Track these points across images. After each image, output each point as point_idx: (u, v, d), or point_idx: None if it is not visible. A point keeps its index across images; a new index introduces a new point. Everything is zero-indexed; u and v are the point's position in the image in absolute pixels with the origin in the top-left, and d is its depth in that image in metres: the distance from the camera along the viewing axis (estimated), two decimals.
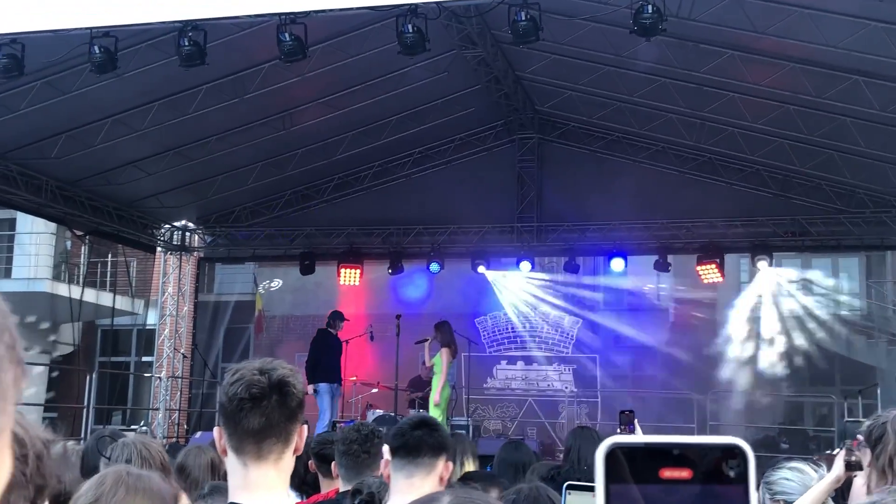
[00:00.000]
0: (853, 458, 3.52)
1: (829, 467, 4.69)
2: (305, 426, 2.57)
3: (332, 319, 14.70)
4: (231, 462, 2.46)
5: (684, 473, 0.66)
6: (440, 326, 13.67)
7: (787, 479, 3.99)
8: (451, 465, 3.47)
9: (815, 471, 4.13)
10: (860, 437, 3.40)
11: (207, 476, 5.03)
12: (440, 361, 13.33)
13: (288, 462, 2.49)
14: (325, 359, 14.26)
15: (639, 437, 0.67)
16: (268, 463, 2.43)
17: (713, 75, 12.52)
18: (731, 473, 0.67)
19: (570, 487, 1.84)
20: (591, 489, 1.87)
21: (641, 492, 0.66)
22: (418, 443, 3.30)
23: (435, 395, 13.33)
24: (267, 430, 2.40)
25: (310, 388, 14.21)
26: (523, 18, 10.17)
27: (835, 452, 3.92)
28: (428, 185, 16.71)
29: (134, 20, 10.24)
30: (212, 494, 3.89)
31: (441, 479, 3.39)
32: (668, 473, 0.66)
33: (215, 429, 2.51)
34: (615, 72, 13.15)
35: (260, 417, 2.39)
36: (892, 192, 14.61)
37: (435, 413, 13.04)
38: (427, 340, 13.68)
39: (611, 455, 0.68)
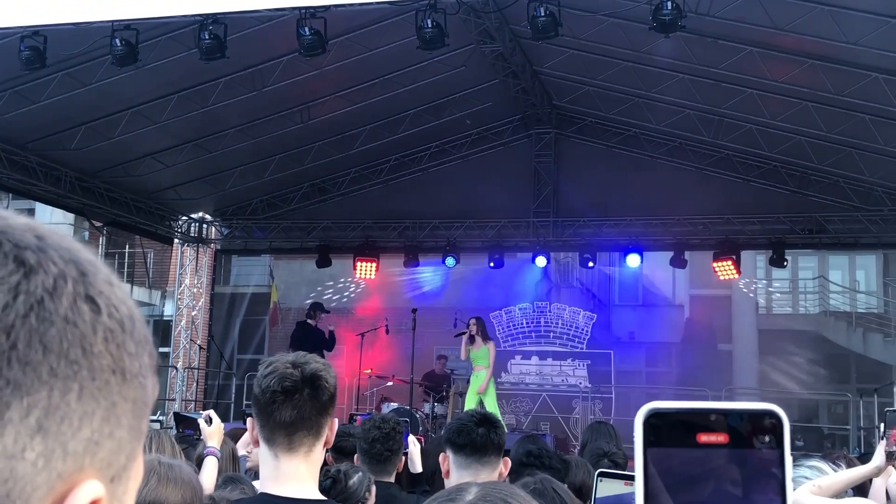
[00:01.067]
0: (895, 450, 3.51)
1: (848, 466, 4.69)
2: (336, 420, 2.60)
3: (312, 310, 14.74)
4: (262, 453, 2.50)
5: (721, 438, 0.69)
6: (479, 321, 13.73)
7: (806, 478, 4.00)
8: (508, 461, 3.51)
9: (835, 470, 4.13)
10: None
11: (229, 466, 5.07)
12: (487, 355, 13.38)
13: (318, 455, 2.53)
14: (304, 351, 14.22)
15: (677, 403, 0.70)
16: (298, 455, 2.46)
17: (732, 71, 12.48)
18: (767, 439, 0.70)
19: (602, 475, 1.88)
20: (623, 477, 1.89)
21: (678, 455, 0.69)
22: (485, 442, 3.32)
23: (481, 385, 13.36)
24: (298, 423, 2.44)
25: None
26: (542, 14, 10.18)
27: (866, 450, 3.91)
28: (444, 180, 16.73)
29: (155, 13, 10.32)
30: (226, 485, 3.93)
31: (500, 475, 3.42)
32: (704, 438, 0.69)
33: (248, 420, 2.55)
34: (633, 67, 13.13)
35: (292, 410, 2.42)
36: None
37: (493, 407, 13.06)
38: (465, 333, 13.69)
39: (649, 420, 0.71)
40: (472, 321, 13.64)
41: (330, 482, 3.71)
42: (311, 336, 14.48)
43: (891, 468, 3.62)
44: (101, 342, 0.71)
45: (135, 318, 0.77)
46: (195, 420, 4.89)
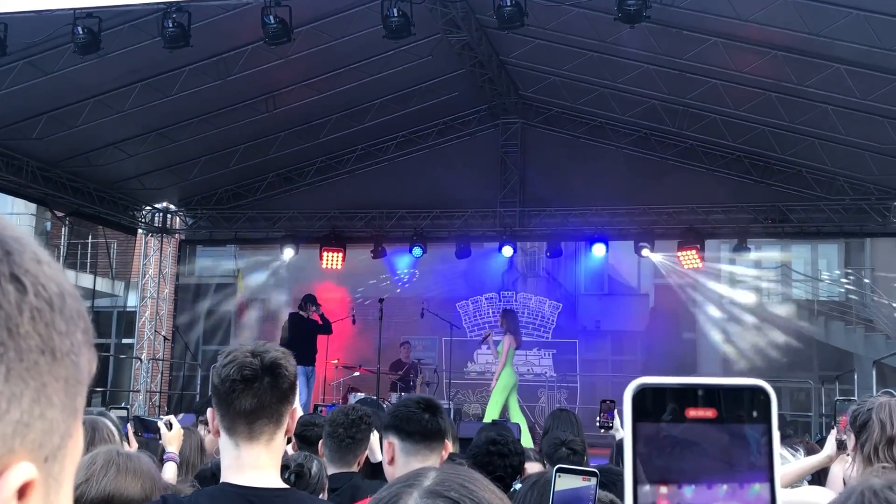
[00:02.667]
0: (845, 438, 3.56)
1: (806, 451, 4.76)
2: (298, 408, 2.60)
3: (304, 302, 14.67)
4: (223, 443, 2.49)
5: (709, 413, 0.70)
6: (507, 315, 13.90)
7: None
8: (449, 443, 3.51)
9: (793, 455, 4.18)
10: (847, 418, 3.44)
11: (198, 457, 5.06)
12: (502, 347, 13.50)
13: (279, 443, 2.52)
14: (297, 342, 14.14)
15: (665, 378, 0.71)
16: (259, 444, 2.46)
17: (696, 62, 12.57)
18: (755, 413, 0.71)
19: (560, 470, 1.91)
20: (581, 472, 1.92)
21: (667, 430, 0.70)
22: (434, 429, 3.32)
23: (493, 382, 13.55)
24: (258, 412, 2.43)
25: None
26: (508, 4, 10.20)
27: (824, 437, 3.96)
28: (411, 170, 16.72)
29: (118, 1, 10.21)
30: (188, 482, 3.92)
31: (442, 459, 3.43)
32: (693, 413, 0.70)
33: (209, 410, 2.54)
34: (599, 58, 13.19)
35: (252, 399, 2.42)
36: (872, 180, 14.73)
37: (499, 398, 13.18)
38: (489, 335, 14.00)
39: (639, 395, 0.71)
40: (502, 314, 14.06)
41: (294, 477, 3.69)
42: (305, 326, 14.44)
43: (845, 456, 3.68)
44: (28, 322, 0.70)
45: (65, 294, 0.75)
46: (155, 423, 4.88)
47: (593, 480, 1.88)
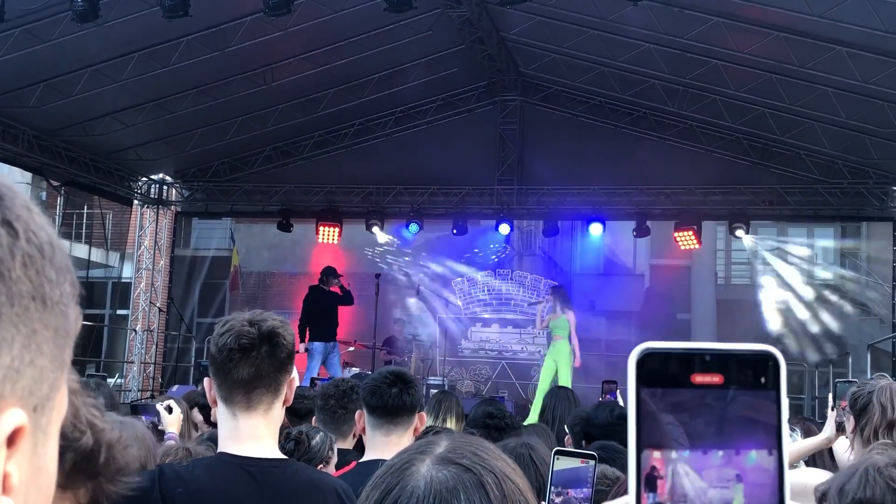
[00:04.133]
0: (844, 420, 3.56)
1: (803, 431, 4.75)
2: (295, 377, 2.58)
3: (324, 276, 14.38)
4: (221, 412, 2.47)
5: (716, 379, 0.68)
6: (557, 291, 13.58)
7: None
8: (424, 416, 3.50)
9: (790, 435, 4.17)
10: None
11: (187, 428, 5.06)
12: (567, 324, 13.07)
13: (278, 413, 2.51)
14: (319, 317, 13.90)
15: (671, 343, 0.69)
16: (257, 413, 2.44)
17: (698, 42, 12.51)
18: (762, 380, 0.68)
19: (558, 453, 1.93)
20: (579, 455, 1.92)
21: (673, 396, 0.68)
22: (397, 403, 3.32)
23: (576, 360, 13.09)
24: (256, 381, 2.42)
25: (301, 347, 14.07)
26: None
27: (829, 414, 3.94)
28: (409, 145, 16.66)
29: None
30: (205, 442, 3.91)
31: (415, 430, 3.42)
32: (699, 379, 0.68)
33: (205, 379, 2.52)
34: (600, 36, 13.12)
35: (249, 368, 2.40)
36: (871, 164, 14.72)
37: (567, 371, 12.91)
38: (541, 303, 13.60)
39: (643, 360, 0.69)
40: (551, 290, 13.56)
41: (293, 444, 3.69)
42: (326, 298, 14.09)
43: (844, 438, 3.68)
44: (20, 267, 0.69)
45: (55, 244, 0.75)
46: (153, 406, 4.91)
47: (591, 462, 1.90)
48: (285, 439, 3.66)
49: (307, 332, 13.77)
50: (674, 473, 0.65)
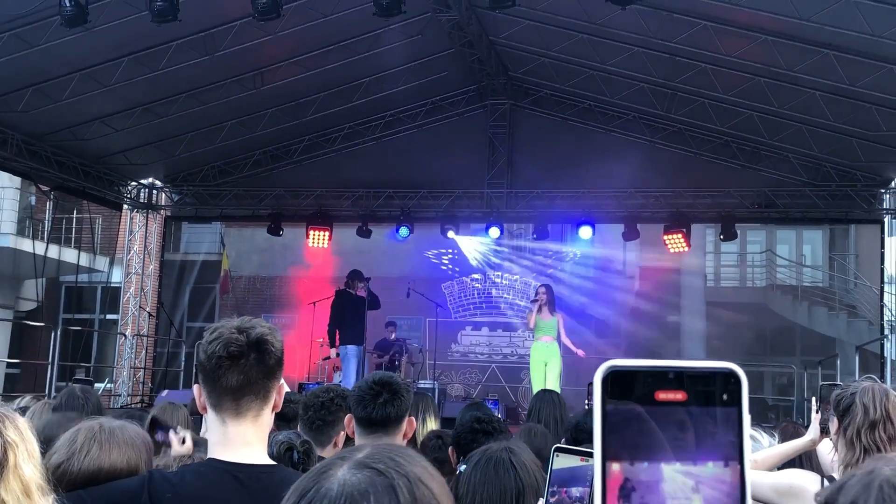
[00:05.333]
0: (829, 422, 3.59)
1: (783, 436, 4.78)
2: (284, 384, 2.60)
3: (350, 279, 14.31)
4: (210, 419, 2.49)
5: (679, 396, 0.70)
6: (550, 290, 13.32)
7: None
8: (413, 420, 3.51)
9: (770, 440, 4.20)
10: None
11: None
12: (556, 325, 12.93)
13: (267, 419, 2.53)
14: (349, 320, 13.86)
15: (636, 361, 0.71)
16: (246, 420, 2.46)
17: (686, 45, 12.56)
18: (725, 396, 0.70)
19: (558, 450, 1.93)
20: (579, 453, 1.94)
21: (637, 412, 0.70)
22: (383, 416, 3.35)
23: (579, 351, 13.02)
24: (245, 388, 2.43)
25: (332, 352, 14.03)
26: None
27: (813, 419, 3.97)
28: (399, 149, 16.67)
29: None
30: (197, 448, 3.91)
31: (405, 436, 3.43)
32: (663, 395, 0.70)
33: (195, 386, 2.53)
34: (589, 39, 13.16)
35: (238, 375, 2.41)
36: (858, 167, 14.79)
37: (537, 373, 12.82)
38: (536, 301, 13.30)
39: (608, 378, 0.71)
40: (542, 289, 13.25)
41: (305, 457, 3.66)
42: (354, 302, 14.01)
43: (828, 440, 3.71)
44: None
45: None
46: (169, 429, 4.93)
47: (591, 461, 1.89)
48: (286, 448, 3.65)
49: (337, 336, 13.80)
50: (637, 486, 0.67)
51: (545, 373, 12.83)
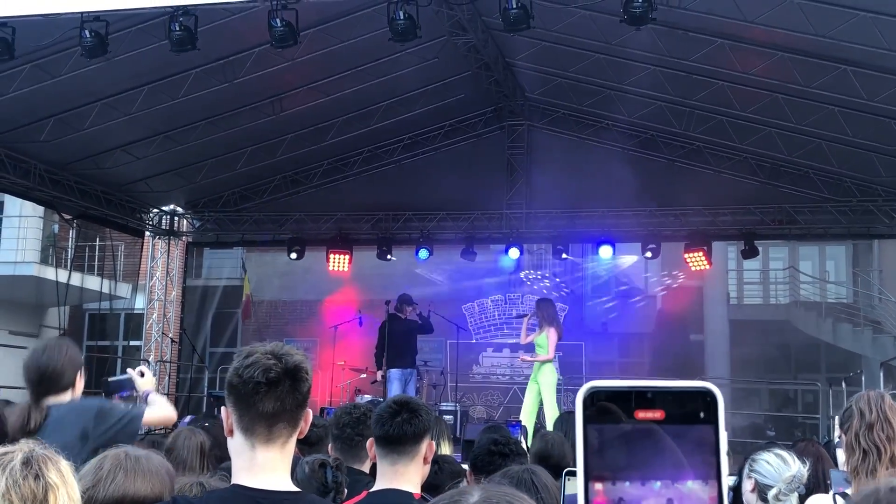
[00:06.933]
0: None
1: (815, 455, 4.73)
2: (310, 411, 2.61)
3: (399, 303, 14.39)
4: (237, 443, 2.48)
5: (657, 414, 0.71)
6: (543, 304, 13.11)
7: (768, 463, 4.08)
8: (433, 444, 3.53)
9: (801, 467, 4.18)
10: None
11: (196, 458, 5.08)
12: (546, 341, 12.56)
13: (292, 446, 2.53)
14: (396, 344, 13.99)
15: (615, 381, 0.72)
16: (275, 446, 2.46)
17: (702, 63, 12.55)
18: (702, 414, 0.72)
19: (569, 474, 1.92)
20: None
21: (617, 431, 0.71)
22: (400, 433, 3.36)
23: (542, 374, 12.55)
24: (280, 415, 2.43)
25: (378, 375, 14.10)
26: (514, 6, 10.18)
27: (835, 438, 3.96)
28: (417, 172, 16.72)
29: (125, 5, 10.24)
30: (218, 473, 3.93)
31: (425, 459, 3.44)
32: (642, 415, 0.71)
33: (223, 409, 2.53)
34: (605, 60, 13.18)
35: (274, 402, 2.41)
36: (879, 182, 14.70)
37: (551, 397, 12.51)
38: (527, 316, 13.32)
39: (589, 398, 0.73)
40: (537, 304, 13.12)
41: (335, 473, 3.68)
42: (404, 327, 14.11)
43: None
44: None
45: None
46: (127, 380, 5.02)
47: None
48: (321, 465, 3.66)
49: (384, 360, 13.88)
50: (618, 503, 0.69)
51: (538, 393, 12.60)
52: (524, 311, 13.41)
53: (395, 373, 13.81)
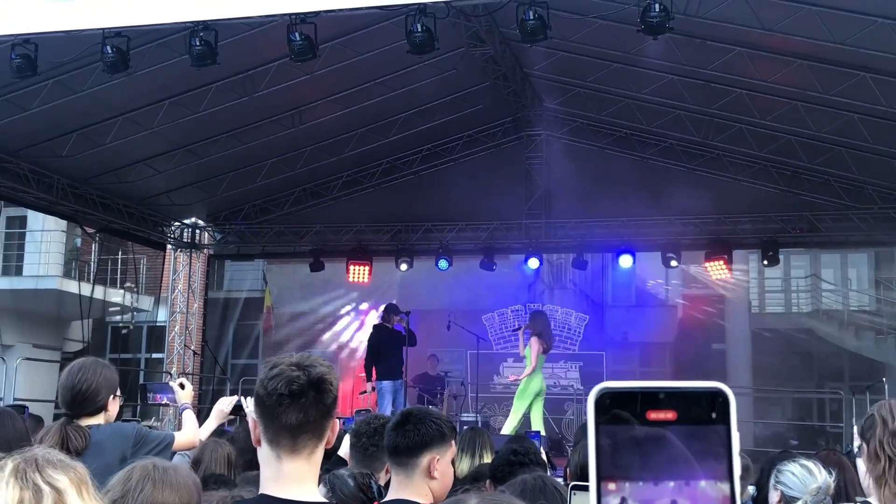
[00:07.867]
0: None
1: (837, 464, 4.70)
2: (337, 421, 2.61)
3: (386, 313, 14.45)
4: (264, 453, 2.50)
5: (669, 415, 0.73)
6: (533, 316, 13.40)
7: (793, 474, 4.05)
8: (438, 457, 3.43)
9: (826, 477, 4.15)
10: None
11: (224, 469, 5.11)
12: (529, 351, 12.81)
13: (319, 456, 2.54)
14: (385, 355, 13.96)
15: (627, 382, 0.74)
16: (301, 457, 2.47)
17: (721, 72, 12.54)
18: (714, 415, 0.73)
19: (576, 488, 1.92)
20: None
21: (629, 432, 0.73)
22: (395, 445, 3.38)
23: (511, 377, 13.15)
24: (304, 426, 2.44)
25: (368, 386, 14.11)
26: (531, 17, 10.20)
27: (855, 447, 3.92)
28: (436, 182, 16.76)
29: (146, 21, 10.31)
30: (242, 486, 3.96)
31: (430, 472, 3.39)
32: (654, 415, 0.73)
33: (250, 420, 2.55)
34: (623, 69, 13.18)
35: (298, 413, 2.43)
36: None
37: (519, 404, 12.81)
38: (521, 329, 13.42)
39: (601, 399, 0.74)
40: (530, 316, 13.37)
41: (364, 494, 3.67)
42: (392, 337, 14.15)
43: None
44: None
45: None
46: (167, 385, 5.17)
47: None
48: (356, 490, 3.64)
49: (374, 371, 13.86)
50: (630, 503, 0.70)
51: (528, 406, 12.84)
52: (521, 325, 13.53)
53: (386, 384, 13.78)
